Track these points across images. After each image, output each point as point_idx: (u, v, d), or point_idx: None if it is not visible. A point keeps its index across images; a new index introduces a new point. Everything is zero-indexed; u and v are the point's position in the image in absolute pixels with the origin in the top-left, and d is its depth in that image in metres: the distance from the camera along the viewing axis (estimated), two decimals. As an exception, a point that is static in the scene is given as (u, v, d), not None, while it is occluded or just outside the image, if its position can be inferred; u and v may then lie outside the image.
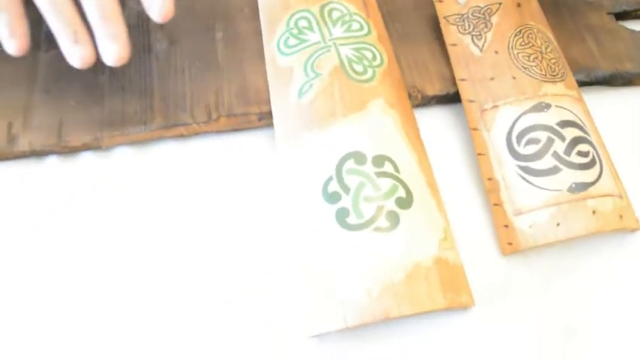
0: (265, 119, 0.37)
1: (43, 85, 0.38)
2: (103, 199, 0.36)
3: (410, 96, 0.38)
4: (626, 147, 0.40)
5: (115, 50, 0.33)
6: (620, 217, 0.35)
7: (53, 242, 0.34)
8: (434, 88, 0.39)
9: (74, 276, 0.33)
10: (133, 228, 0.35)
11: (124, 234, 0.35)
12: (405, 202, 0.33)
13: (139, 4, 0.35)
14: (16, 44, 0.33)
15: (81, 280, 0.33)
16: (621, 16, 0.45)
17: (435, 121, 0.39)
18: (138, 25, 0.40)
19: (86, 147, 0.37)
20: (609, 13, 0.44)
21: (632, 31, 0.43)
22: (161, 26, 0.40)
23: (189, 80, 0.38)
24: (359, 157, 0.33)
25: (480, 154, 0.37)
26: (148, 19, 0.40)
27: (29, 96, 0.38)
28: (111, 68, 0.38)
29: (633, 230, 0.36)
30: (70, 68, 0.34)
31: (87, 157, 0.37)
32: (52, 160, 0.37)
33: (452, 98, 0.39)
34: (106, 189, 0.36)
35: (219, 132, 0.38)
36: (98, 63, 0.34)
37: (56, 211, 0.35)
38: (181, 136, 0.37)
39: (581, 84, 0.40)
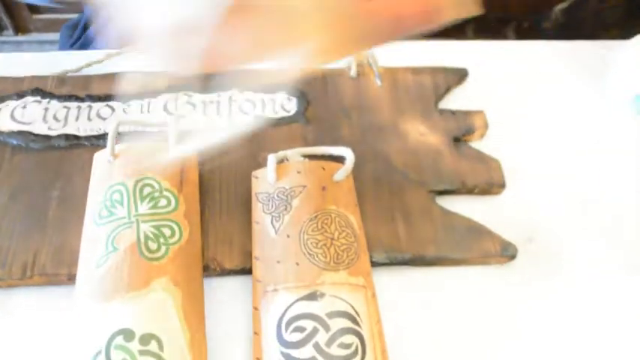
0: (74, 279, 0.41)
1: None
2: None
3: (208, 268, 0.42)
4: (417, 324, 0.42)
5: None
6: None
7: None
8: (232, 263, 0.42)
9: None
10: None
11: None
12: (163, 381, 0.36)
13: None
14: None
15: None
16: (443, 192, 0.47)
17: (229, 293, 0.42)
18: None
19: None
20: (431, 191, 0.47)
21: (447, 212, 0.46)
22: (8, 180, 0.45)
23: (15, 237, 0.43)
24: (128, 334, 0.37)
25: (255, 334, 0.40)
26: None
27: None
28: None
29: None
30: None
31: None
32: None
33: (249, 271, 0.42)
34: None
35: (36, 285, 0.42)
36: None
37: None
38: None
39: (381, 264, 0.43)
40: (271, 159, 0.44)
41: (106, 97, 0.50)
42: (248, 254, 0.43)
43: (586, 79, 0.58)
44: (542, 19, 1.02)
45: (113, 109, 0.49)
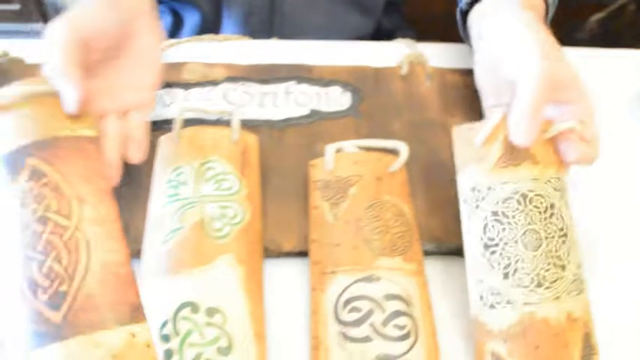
0: (139, 255, 0.43)
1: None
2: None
3: (267, 249, 0.44)
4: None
5: None
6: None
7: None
8: (290, 245, 0.44)
9: None
10: None
11: None
12: (225, 351, 0.38)
13: None
14: None
15: None
16: (491, 189, 0.49)
17: (287, 274, 0.44)
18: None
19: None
20: (478, 187, 0.48)
21: (495, 207, 0.47)
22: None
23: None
24: (195, 307, 0.39)
25: (313, 313, 0.41)
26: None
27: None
28: None
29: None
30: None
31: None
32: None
33: (305, 254, 0.44)
34: None
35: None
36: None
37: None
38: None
39: (432, 253, 0.45)
40: (330, 149, 0.46)
41: (168, 85, 0.52)
42: (304, 238, 0.44)
43: (622, 88, 0.59)
44: (576, 30, 1.03)
45: (175, 97, 0.51)
